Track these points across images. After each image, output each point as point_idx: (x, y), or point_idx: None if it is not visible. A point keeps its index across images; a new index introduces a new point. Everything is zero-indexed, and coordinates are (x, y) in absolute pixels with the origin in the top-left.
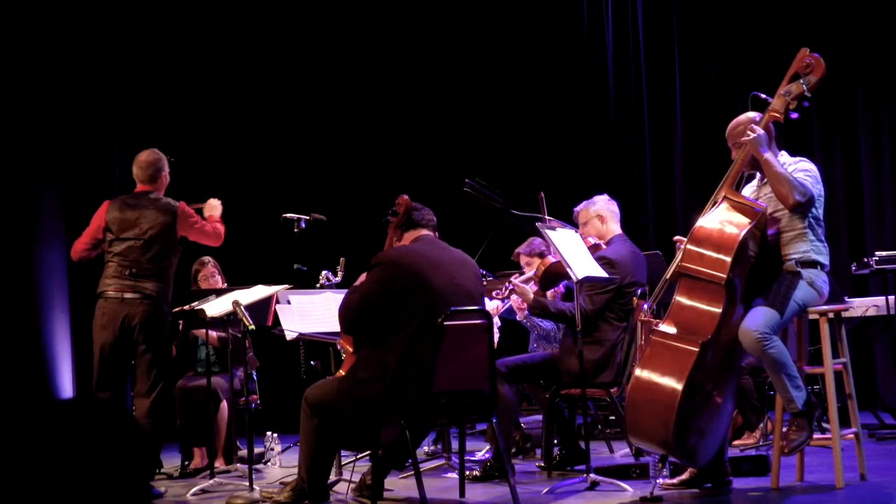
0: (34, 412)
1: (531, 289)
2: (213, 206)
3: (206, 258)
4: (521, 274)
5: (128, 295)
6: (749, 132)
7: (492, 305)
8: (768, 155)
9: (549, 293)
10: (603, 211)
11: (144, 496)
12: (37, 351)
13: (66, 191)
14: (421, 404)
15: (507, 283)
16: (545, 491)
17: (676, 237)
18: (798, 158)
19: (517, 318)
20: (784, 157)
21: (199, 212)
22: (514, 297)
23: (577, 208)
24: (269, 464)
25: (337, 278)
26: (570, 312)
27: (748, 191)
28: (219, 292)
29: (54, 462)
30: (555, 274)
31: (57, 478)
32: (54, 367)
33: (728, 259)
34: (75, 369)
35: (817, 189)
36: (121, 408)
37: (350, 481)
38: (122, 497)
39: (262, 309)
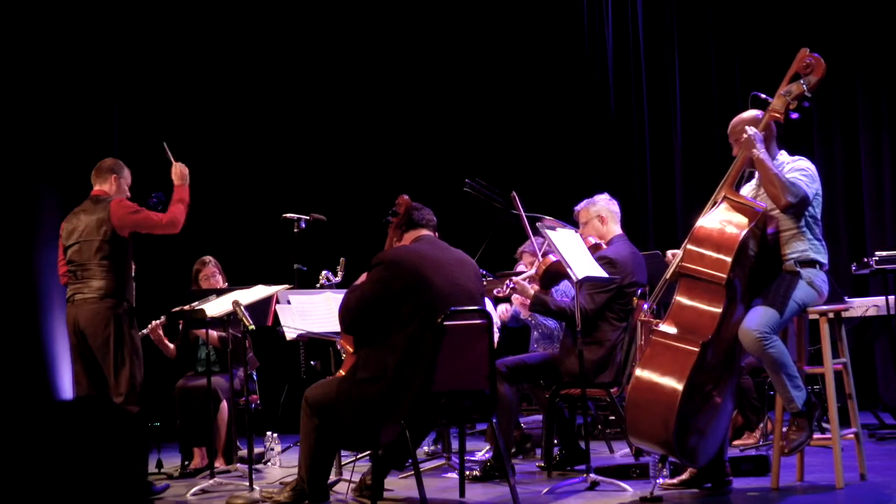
0: (27, 412)
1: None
2: (180, 175)
3: (208, 258)
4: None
5: (77, 297)
6: (744, 132)
7: (500, 310)
8: (763, 155)
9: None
10: (603, 211)
11: (141, 489)
12: (37, 351)
13: (66, 191)
14: (421, 404)
15: (507, 281)
16: (545, 491)
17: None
18: (795, 157)
19: (521, 315)
20: (783, 155)
21: (169, 164)
22: (515, 296)
23: (578, 207)
24: (269, 464)
25: (337, 278)
26: (571, 310)
27: (747, 189)
28: (219, 292)
29: (48, 459)
30: (555, 273)
31: (49, 474)
32: (54, 366)
33: (728, 259)
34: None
35: (813, 188)
36: (108, 404)
37: (350, 481)
38: (118, 491)
39: (262, 309)
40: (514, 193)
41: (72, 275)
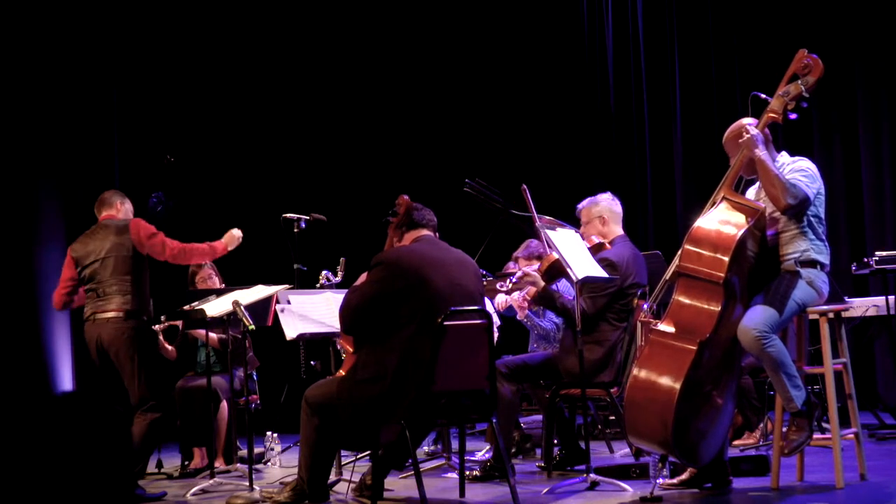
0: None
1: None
2: (232, 237)
3: None
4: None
5: (98, 316)
6: (744, 133)
7: (500, 299)
8: (763, 155)
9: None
10: (605, 212)
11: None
12: (37, 350)
13: (66, 191)
14: (421, 404)
15: (518, 271)
16: (545, 491)
17: None
18: (796, 158)
19: (517, 316)
20: (784, 156)
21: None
22: (515, 294)
23: (581, 205)
24: (269, 464)
25: (337, 278)
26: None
27: (752, 193)
28: (219, 292)
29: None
30: (557, 270)
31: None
32: (54, 364)
33: (725, 259)
34: (75, 367)
35: (814, 188)
36: (104, 406)
37: (350, 481)
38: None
39: (262, 309)
40: (525, 186)
41: (92, 293)
